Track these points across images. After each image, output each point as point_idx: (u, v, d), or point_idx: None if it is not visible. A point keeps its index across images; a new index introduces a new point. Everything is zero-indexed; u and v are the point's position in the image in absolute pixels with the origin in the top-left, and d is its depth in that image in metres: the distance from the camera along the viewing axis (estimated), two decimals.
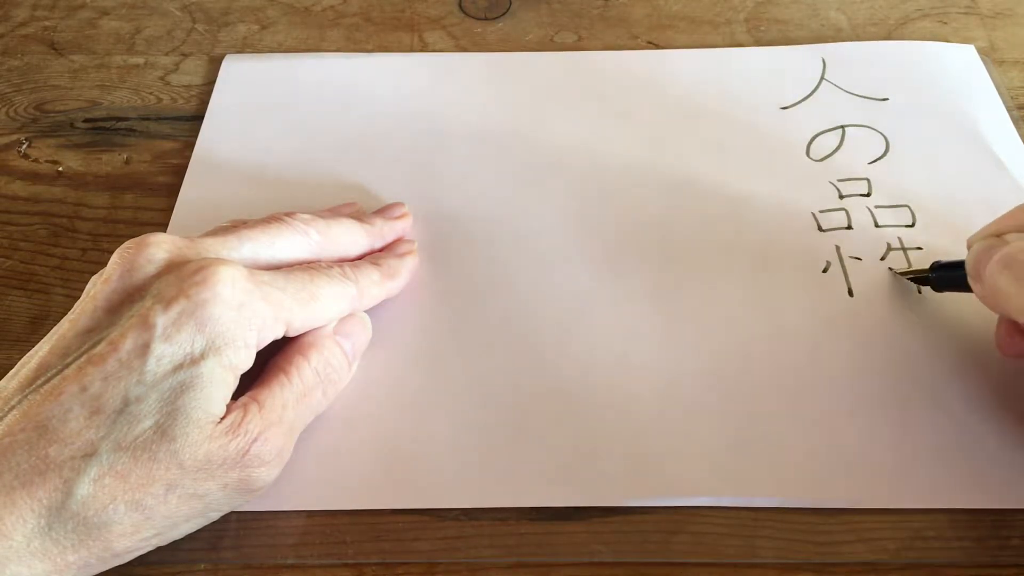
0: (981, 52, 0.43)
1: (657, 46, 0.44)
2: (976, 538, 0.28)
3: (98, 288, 0.26)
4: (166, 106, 0.41)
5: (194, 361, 0.24)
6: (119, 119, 0.41)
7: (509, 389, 0.31)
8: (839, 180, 0.37)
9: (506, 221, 0.36)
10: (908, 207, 0.36)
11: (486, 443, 0.30)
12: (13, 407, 0.24)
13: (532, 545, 0.28)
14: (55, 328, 0.26)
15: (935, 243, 0.35)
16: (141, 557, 0.26)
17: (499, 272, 0.34)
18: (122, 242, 0.27)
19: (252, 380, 0.27)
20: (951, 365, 0.31)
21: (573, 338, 0.32)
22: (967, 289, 0.29)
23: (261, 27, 0.45)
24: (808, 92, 0.41)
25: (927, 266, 0.32)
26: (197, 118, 0.40)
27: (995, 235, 0.29)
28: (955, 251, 0.35)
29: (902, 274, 0.33)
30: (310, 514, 0.28)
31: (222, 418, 0.25)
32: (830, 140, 0.39)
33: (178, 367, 0.24)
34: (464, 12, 0.46)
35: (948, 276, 0.31)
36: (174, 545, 0.26)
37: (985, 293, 0.28)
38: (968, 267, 0.29)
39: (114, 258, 0.26)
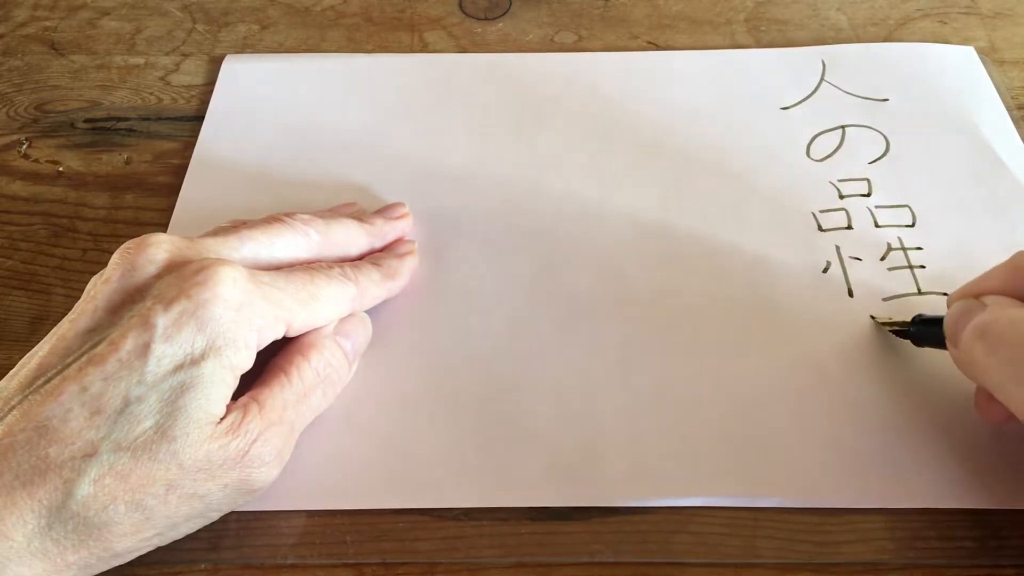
0: (981, 52, 0.43)
1: (657, 46, 0.44)
2: (976, 538, 0.28)
3: (98, 288, 0.26)
4: (166, 106, 0.41)
5: (194, 361, 0.25)
6: (119, 119, 0.41)
7: (509, 389, 0.31)
8: (839, 180, 0.38)
9: (506, 221, 0.36)
10: (908, 207, 0.36)
11: (486, 443, 0.30)
12: (13, 407, 0.24)
13: (532, 545, 0.28)
14: (55, 328, 0.26)
15: (935, 243, 0.35)
16: (141, 557, 0.26)
17: (499, 272, 0.34)
18: (122, 242, 0.27)
19: (252, 380, 0.27)
20: (951, 364, 0.31)
21: (573, 337, 0.32)
22: (945, 347, 0.28)
23: (261, 27, 0.45)
24: (808, 93, 0.41)
25: (908, 318, 0.31)
26: (197, 118, 0.40)
27: (975, 295, 0.27)
28: (955, 253, 0.35)
29: (883, 324, 0.32)
30: (310, 514, 0.28)
31: (222, 418, 0.25)
32: (830, 140, 0.39)
33: (178, 367, 0.24)
34: (464, 12, 0.46)
35: (927, 332, 0.30)
36: (174, 545, 0.26)
37: (960, 359, 0.27)
38: (946, 328, 0.28)
39: (114, 258, 0.26)
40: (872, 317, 0.33)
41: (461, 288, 0.34)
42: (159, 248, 0.26)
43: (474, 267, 0.35)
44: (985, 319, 0.26)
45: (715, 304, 0.33)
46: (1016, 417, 0.26)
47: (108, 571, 0.25)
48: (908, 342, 0.31)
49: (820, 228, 0.36)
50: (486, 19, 0.46)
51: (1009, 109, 0.40)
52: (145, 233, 0.27)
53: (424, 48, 0.44)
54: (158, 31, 0.45)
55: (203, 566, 0.27)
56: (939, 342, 0.29)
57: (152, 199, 0.38)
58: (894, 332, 0.32)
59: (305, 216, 0.31)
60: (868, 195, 0.37)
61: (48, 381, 0.24)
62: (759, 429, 0.30)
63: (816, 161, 0.38)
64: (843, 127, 0.40)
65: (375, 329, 0.32)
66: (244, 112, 0.40)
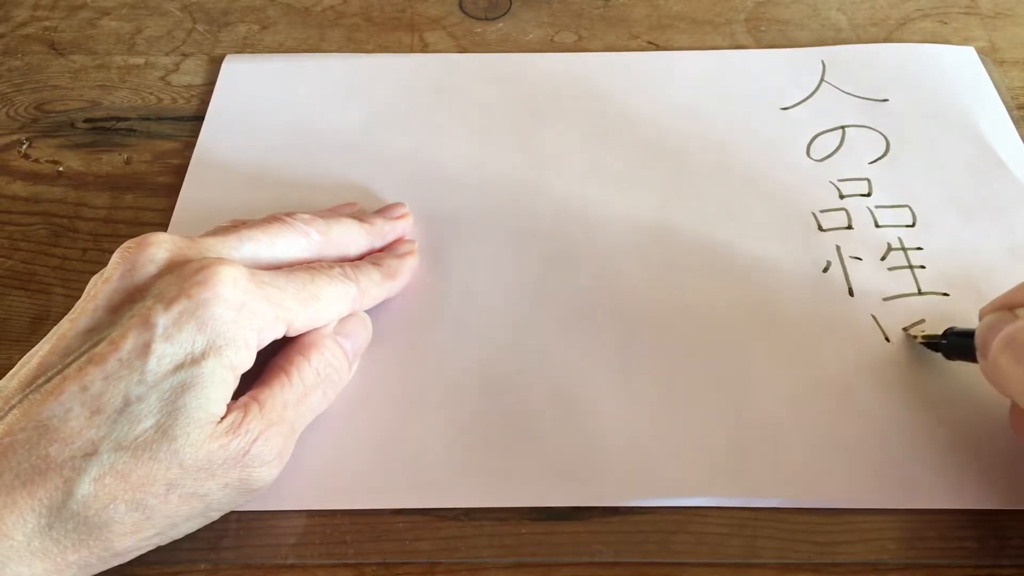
0: (981, 52, 0.43)
1: (657, 46, 0.44)
2: (976, 538, 0.28)
3: (99, 288, 0.26)
4: (166, 106, 0.41)
5: (195, 361, 0.24)
6: (119, 119, 0.41)
7: (509, 389, 0.31)
8: (839, 180, 0.38)
9: (506, 221, 0.36)
10: (908, 207, 0.36)
11: (486, 443, 0.30)
12: (14, 406, 0.24)
13: (532, 545, 0.28)
14: (55, 328, 0.26)
15: (935, 243, 0.35)
16: (141, 557, 0.26)
17: (499, 272, 0.34)
18: (123, 242, 0.27)
19: (252, 380, 0.27)
20: (951, 364, 0.31)
21: (573, 337, 0.32)
22: (976, 360, 0.28)
23: (261, 27, 0.45)
24: (808, 93, 0.41)
25: (938, 330, 0.31)
26: (197, 118, 0.40)
27: (1009, 307, 0.27)
28: (955, 253, 0.35)
29: (914, 337, 0.32)
30: (310, 514, 0.28)
31: (223, 418, 0.25)
32: (830, 140, 0.39)
33: (179, 367, 0.24)
34: (464, 12, 0.46)
35: (959, 345, 0.30)
36: (174, 545, 0.26)
37: (987, 370, 0.27)
38: (977, 340, 0.28)
39: (115, 258, 0.26)
40: (904, 330, 0.32)
41: (461, 288, 0.34)
42: (159, 247, 0.26)
43: (474, 267, 0.35)
44: (1012, 330, 0.26)
45: (715, 304, 0.33)
46: None
47: (108, 571, 0.25)
48: (939, 356, 0.31)
49: (820, 228, 0.36)
50: (486, 19, 0.46)
51: (1009, 109, 0.40)
52: (145, 233, 0.27)
53: (424, 48, 0.44)
54: (158, 31, 0.45)
55: (203, 566, 0.27)
56: (970, 355, 0.28)
57: (152, 199, 0.38)
58: (925, 344, 0.31)
59: (305, 216, 0.31)
60: (868, 195, 0.37)
61: (48, 380, 0.24)
62: (759, 429, 0.30)
63: (816, 161, 0.38)
64: (843, 127, 0.40)
65: (375, 329, 0.32)
66: (244, 112, 0.40)
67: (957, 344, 0.30)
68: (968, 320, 0.31)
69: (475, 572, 0.27)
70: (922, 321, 0.32)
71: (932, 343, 0.31)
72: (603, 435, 0.30)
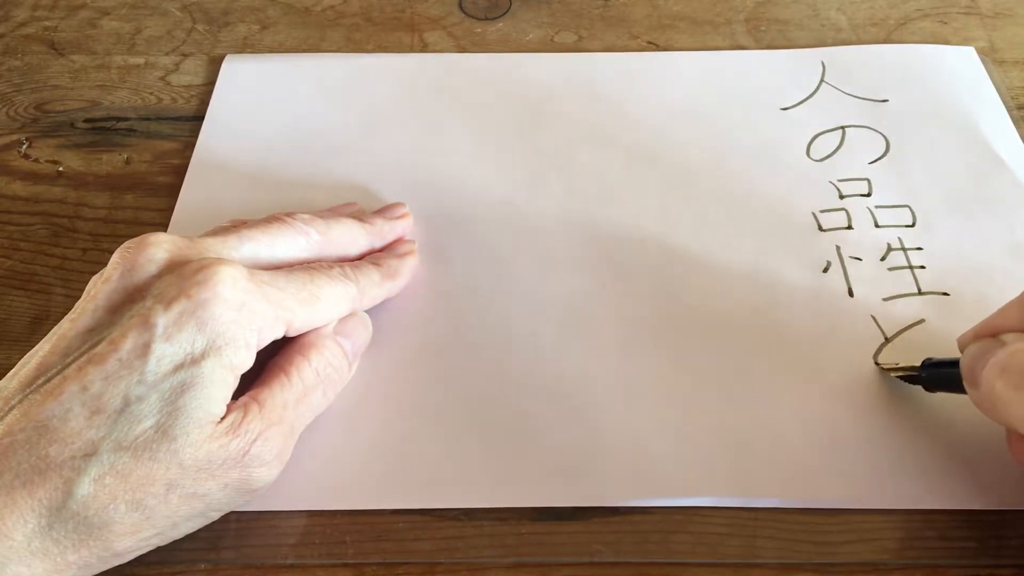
0: (981, 52, 0.43)
1: (657, 46, 0.44)
2: (976, 538, 0.28)
3: (99, 288, 0.26)
4: (166, 106, 0.41)
5: (195, 361, 0.24)
6: (119, 119, 0.41)
7: (509, 389, 0.31)
8: (839, 180, 0.38)
9: (506, 221, 0.36)
10: (908, 207, 0.36)
11: (486, 443, 0.30)
12: (13, 406, 0.24)
13: (532, 545, 0.28)
14: (55, 328, 0.26)
15: (935, 243, 0.35)
16: (141, 557, 0.26)
17: (499, 272, 0.34)
18: (122, 242, 0.27)
19: (252, 380, 0.27)
20: None
21: (573, 337, 0.32)
22: (961, 390, 0.27)
23: (261, 27, 0.45)
24: (808, 94, 0.41)
25: (918, 362, 0.30)
26: (197, 118, 0.40)
27: (990, 335, 0.26)
28: (955, 253, 0.35)
29: (890, 371, 0.31)
30: (310, 514, 0.28)
31: (223, 418, 0.25)
32: (830, 140, 0.39)
33: (179, 367, 0.24)
34: (464, 12, 0.46)
35: (940, 375, 0.29)
36: (174, 545, 0.26)
37: (981, 400, 0.26)
38: (963, 370, 0.27)
39: (115, 258, 0.26)
40: (876, 363, 0.31)
41: (461, 288, 0.34)
42: (159, 247, 0.26)
43: (474, 267, 0.35)
44: (1005, 356, 0.25)
45: (715, 304, 0.33)
46: None
47: (108, 571, 0.25)
48: (919, 388, 0.30)
49: (820, 228, 0.36)
50: (486, 19, 0.46)
51: (1009, 109, 0.40)
52: (145, 233, 0.27)
53: (424, 48, 0.44)
54: (158, 31, 0.45)
55: (203, 566, 0.27)
56: (953, 385, 0.28)
57: (152, 199, 0.38)
58: (903, 379, 0.30)
59: (305, 216, 0.31)
60: (868, 195, 0.37)
61: (48, 380, 0.24)
62: (759, 429, 0.30)
63: (816, 161, 0.38)
64: (843, 127, 0.40)
65: (375, 329, 0.32)
66: (244, 112, 0.40)
67: (938, 375, 0.29)
68: (969, 320, 0.31)
69: (475, 572, 0.27)
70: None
71: (910, 377, 0.30)
72: (603, 435, 0.30)
